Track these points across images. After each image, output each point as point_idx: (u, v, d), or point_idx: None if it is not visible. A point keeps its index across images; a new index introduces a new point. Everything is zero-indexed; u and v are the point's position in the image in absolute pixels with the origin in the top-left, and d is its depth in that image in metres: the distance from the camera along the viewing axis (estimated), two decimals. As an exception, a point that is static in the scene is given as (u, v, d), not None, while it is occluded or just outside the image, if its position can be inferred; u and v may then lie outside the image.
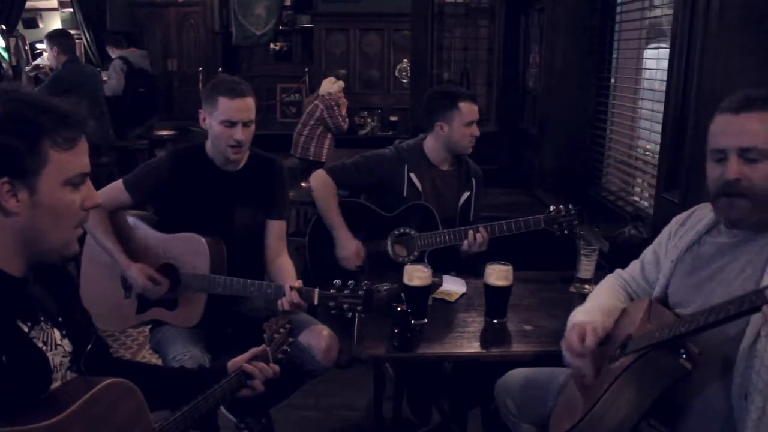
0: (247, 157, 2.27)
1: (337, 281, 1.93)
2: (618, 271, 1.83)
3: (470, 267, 2.50)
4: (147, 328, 2.36)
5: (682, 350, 1.33)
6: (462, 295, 2.23)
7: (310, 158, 5.90)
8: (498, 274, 2.00)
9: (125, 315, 2.24)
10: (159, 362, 2.21)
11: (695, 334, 1.30)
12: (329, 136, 5.99)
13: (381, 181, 2.65)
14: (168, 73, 9.15)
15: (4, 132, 1.12)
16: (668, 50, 2.46)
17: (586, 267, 2.25)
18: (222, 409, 2.26)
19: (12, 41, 7.11)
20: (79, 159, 1.21)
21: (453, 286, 2.27)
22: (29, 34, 8.31)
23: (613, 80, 3.53)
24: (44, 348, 1.21)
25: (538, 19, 4.19)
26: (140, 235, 2.23)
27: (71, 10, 9.02)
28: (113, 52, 6.86)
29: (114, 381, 1.23)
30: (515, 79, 4.67)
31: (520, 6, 4.54)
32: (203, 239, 2.12)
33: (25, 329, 1.19)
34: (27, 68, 5.89)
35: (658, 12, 3.01)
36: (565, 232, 2.39)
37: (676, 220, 1.68)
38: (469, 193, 2.69)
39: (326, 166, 2.76)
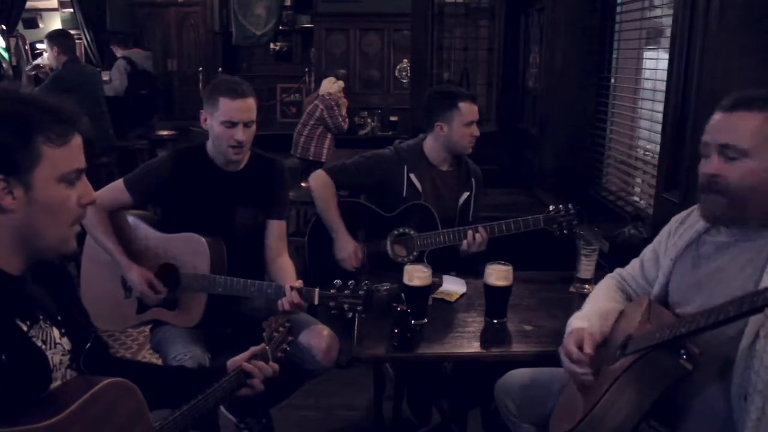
0: (248, 157, 2.27)
1: (338, 281, 1.93)
2: (617, 269, 1.83)
3: (470, 267, 2.50)
4: (147, 328, 2.36)
5: (682, 351, 1.33)
6: (462, 295, 2.23)
7: (310, 158, 5.90)
8: (498, 274, 2.00)
9: (125, 315, 2.24)
10: (159, 362, 2.21)
11: (695, 335, 1.30)
12: (329, 136, 6.00)
13: (380, 181, 2.65)
14: (168, 73, 9.16)
15: None
16: (668, 50, 2.46)
17: (586, 267, 2.25)
18: (222, 409, 2.26)
19: (12, 41, 7.11)
20: (73, 155, 1.20)
21: (453, 286, 2.27)
22: (29, 34, 8.30)
23: (613, 80, 3.53)
24: (43, 347, 1.21)
25: (538, 19, 4.19)
26: (140, 235, 2.23)
27: (71, 10, 9.02)
28: (118, 52, 6.87)
29: (114, 381, 1.23)
30: (515, 79, 4.67)
31: (520, 6, 4.54)
32: (203, 239, 2.12)
33: (24, 328, 1.19)
34: (27, 68, 5.89)
35: (658, 12, 3.01)
36: (565, 231, 2.39)
37: (676, 218, 1.68)
38: (468, 194, 2.69)
39: (326, 167, 2.76)
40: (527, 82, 4.49)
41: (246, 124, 2.14)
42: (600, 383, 1.47)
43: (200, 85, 7.95)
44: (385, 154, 2.69)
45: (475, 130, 2.61)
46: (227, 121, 2.12)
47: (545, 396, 1.74)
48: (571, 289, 2.27)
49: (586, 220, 2.48)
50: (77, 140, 1.22)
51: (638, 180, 3.13)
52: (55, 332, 1.25)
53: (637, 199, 3.12)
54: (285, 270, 2.24)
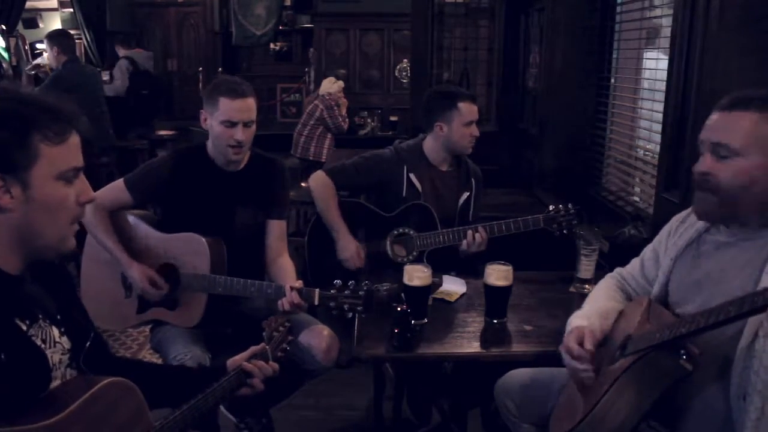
0: (248, 157, 2.27)
1: (338, 281, 1.93)
2: (617, 269, 1.83)
3: (470, 267, 2.50)
4: (147, 328, 2.36)
5: (682, 351, 1.33)
6: (462, 295, 2.23)
7: (310, 158, 5.90)
8: (498, 274, 2.00)
9: (126, 314, 2.24)
10: (159, 362, 2.21)
11: (695, 335, 1.30)
12: (329, 136, 5.99)
13: (380, 181, 2.65)
14: (168, 73, 9.16)
15: None
16: (668, 50, 2.46)
17: (586, 267, 2.25)
18: (222, 409, 2.26)
19: (12, 41, 7.11)
20: (71, 153, 1.20)
21: (453, 286, 2.27)
22: (29, 34, 8.30)
23: (613, 80, 3.53)
24: (43, 346, 1.21)
25: (538, 19, 4.19)
26: (141, 235, 2.23)
27: (71, 10, 9.01)
28: (120, 52, 6.87)
29: (114, 380, 1.23)
30: (515, 79, 4.67)
31: (520, 6, 4.54)
32: (203, 239, 2.12)
33: (24, 327, 1.19)
34: (27, 68, 5.89)
35: (658, 12, 3.01)
36: (565, 231, 2.39)
37: (677, 218, 1.68)
38: (468, 194, 2.69)
39: (325, 167, 2.76)
40: (527, 82, 4.49)
41: (246, 124, 2.15)
42: (600, 383, 1.47)
43: (200, 85, 7.95)
44: (384, 155, 2.69)
45: (475, 130, 2.61)
46: (227, 121, 2.13)
47: (545, 396, 1.74)
48: (571, 289, 2.27)
49: (586, 220, 2.48)
50: (75, 139, 1.22)
51: (638, 180, 3.13)
52: (55, 331, 1.25)
53: (637, 199, 3.12)
54: (285, 270, 2.24)
